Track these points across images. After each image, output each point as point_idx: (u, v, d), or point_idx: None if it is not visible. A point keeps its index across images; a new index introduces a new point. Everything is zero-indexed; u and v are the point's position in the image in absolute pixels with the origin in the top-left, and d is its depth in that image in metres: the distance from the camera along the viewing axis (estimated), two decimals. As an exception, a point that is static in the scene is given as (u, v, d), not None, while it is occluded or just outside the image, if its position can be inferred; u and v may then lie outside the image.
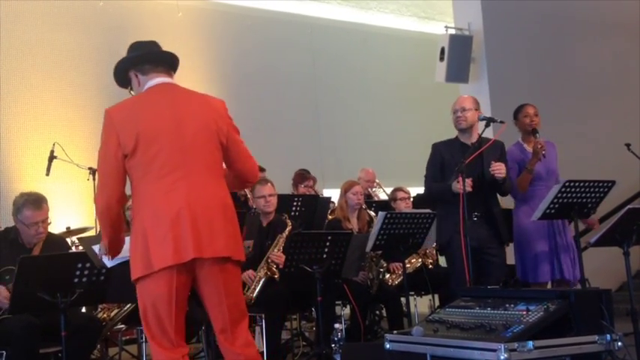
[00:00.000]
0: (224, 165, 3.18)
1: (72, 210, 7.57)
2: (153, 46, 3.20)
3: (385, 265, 5.83)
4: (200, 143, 3.01)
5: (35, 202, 4.26)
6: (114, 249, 3.15)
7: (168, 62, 3.18)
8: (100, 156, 3.02)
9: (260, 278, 5.06)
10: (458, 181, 4.42)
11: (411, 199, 6.39)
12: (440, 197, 4.75)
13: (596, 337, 3.12)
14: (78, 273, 3.74)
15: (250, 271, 5.06)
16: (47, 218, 4.31)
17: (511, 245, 5.12)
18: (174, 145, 2.97)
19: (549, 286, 5.05)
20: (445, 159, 4.68)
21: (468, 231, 4.32)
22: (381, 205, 6.47)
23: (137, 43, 3.22)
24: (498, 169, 4.51)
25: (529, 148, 5.03)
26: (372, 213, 5.86)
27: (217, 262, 2.96)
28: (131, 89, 3.21)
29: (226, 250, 2.97)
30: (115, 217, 3.04)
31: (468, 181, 4.43)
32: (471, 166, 4.50)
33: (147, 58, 3.13)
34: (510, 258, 5.07)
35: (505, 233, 4.73)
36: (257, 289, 5.02)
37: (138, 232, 2.93)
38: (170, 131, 2.97)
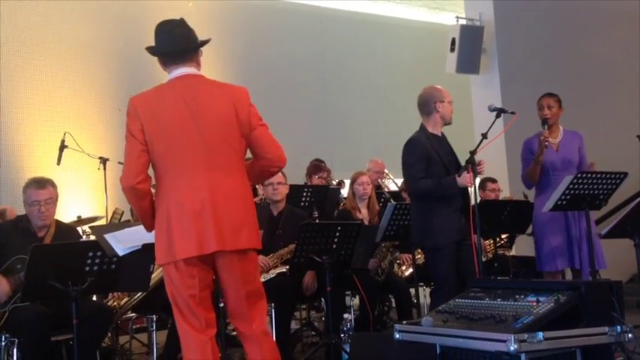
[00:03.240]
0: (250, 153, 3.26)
1: (83, 199, 7.62)
2: (172, 32, 3.19)
3: (399, 254, 5.83)
4: (220, 137, 3.09)
5: (39, 182, 4.31)
6: (146, 224, 3.21)
7: (188, 49, 3.18)
8: (126, 140, 3.10)
9: (270, 268, 5.05)
10: (468, 174, 4.28)
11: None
12: (441, 194, 4.34)
13: (606, 329, 3.11)
14: (89, 261, 3.76)
15: (262, 257, 4.99)
16: (51, 201, 4.30)
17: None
18: (195, 140, 3.06)
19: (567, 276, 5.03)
20: (431, 154, 4.43)
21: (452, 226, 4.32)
22: (393, 196, 6.47)
23: (159, 26, 3.22)
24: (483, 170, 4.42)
25: (550, 139, 5.02)
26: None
27: (237, 253, 3.08)
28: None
29: (247, 243, 3.10)
30: (141, 196, 3.11)
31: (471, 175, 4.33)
32: (448, 157, 4.47)
33: (163, 52, 3.18)
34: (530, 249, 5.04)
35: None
36: (266, 279, 5.00)
37: (163, 221, 3.06)
38: (190, 127, 3.06)
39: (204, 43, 3.25)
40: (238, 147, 3.15)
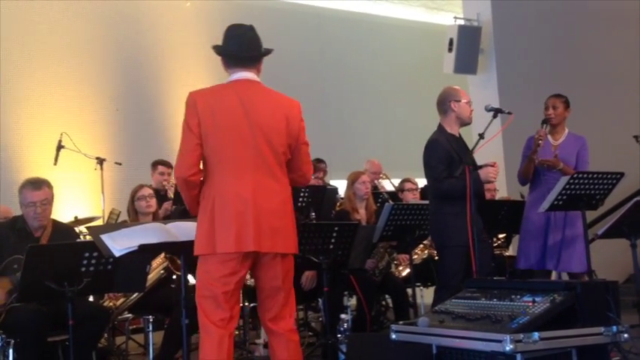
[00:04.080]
0: None
1: (80, 199, 7.61)
2: (243, 36, 3.31)
3: (396, 255, 5.84)
4: (270, 143, 3.23)
5: (35, 182, 4.30)
6: (191, 210, 3.33)
7: (253, 56, 3.32)
8: (183, 132, 3.22)
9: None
10: (492, 168, 4.32)
11: (419, 190, 6.39)
12: (465, 192, 4.27)
13: (602, 329, 3.11)
14: (85, 262, 3.75)
15: None
16: (47, 202, 4.29)
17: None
18: (248, 141, 3.19)
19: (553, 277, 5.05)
20: (451, 154, 4.43)
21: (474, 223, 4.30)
22: (390, 196, 6.47)
23: (231, 28, 3.35)
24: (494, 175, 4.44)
25: (551, 139, 5.03)
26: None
27: (280, 255, 3.24)
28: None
29: (283, 247, 3.24)
30: (192, 187, 3.24)
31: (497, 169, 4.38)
32: (465, 156, 4.47)
33: (231, 54, 3.31)
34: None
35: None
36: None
37: (207, 213, 3.17)
38: (244, 127, 3.19)
39: (269, 52, 3.38)
40: (284, 155, 3.29)
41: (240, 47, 3.28)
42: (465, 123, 4.57)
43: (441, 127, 4.57)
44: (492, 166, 4.33)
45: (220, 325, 3.16)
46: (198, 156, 3.20)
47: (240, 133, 3.18)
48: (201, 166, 3.26)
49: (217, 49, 3.33)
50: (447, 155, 4.41)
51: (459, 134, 4.60)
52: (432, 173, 4.47)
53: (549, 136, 5.05)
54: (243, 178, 3.16)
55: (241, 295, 5.69)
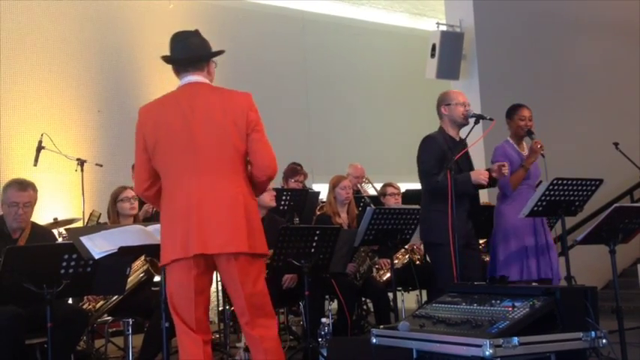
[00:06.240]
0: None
1: (60, 201, 7.54)
2: (186, 41, 3.29)
3: (377, 259, 5.84)
4: (214, 143, 3.16)
5: (21, 183, 4.28)
6: None
7: (196, 58, 3.27)
8: (135, 151, 3.29)
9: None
10: (484, 171, 4.42)
11: (401, 195, 6.40)
12: (454, 190, 4.33)
13: (580, 334, 3.13)
14: (64, 264, 3.72)
15: None
16: (30, 204, 4.28)
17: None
18: (186, 146, 3.15)
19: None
20: (445, 153, 4.45)
21: (457, 227, 4.31)
22: (372, 201, 6.48)
23: (174, 36, 3.34)
24: (501, 170, 4.52)
25: (519, 149, 5.06)
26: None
27: (232, 256, 3.12)
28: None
29: (233, 246, 3.10)
30: (152, 200, 3.38)
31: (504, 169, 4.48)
32: (462, 161, 4.49)
33: (173, 60, 3.30)
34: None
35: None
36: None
37: (161, 225, 3.24)
38: (182, 134, 3.16)
39: (217, 53, 3.34)
40: (235, 152, 3.18)
41: (185, 51, 3.26)
42: (459, 124, 4.61)
43: (441, 129, 4.66)
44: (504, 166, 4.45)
45: (193, 330, 3.15)
46: (148, 170, 3.24)
47: (178, 140, 3.15)
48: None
49: (165, 59, 3.33)
50: (440, 152, 4.47)
51: (460, 139, 4.62)
52: (423, 167, 4.53)
53: (516, 146, 5.08)
54: (187, 184, 3.12)
55: (222, 298, 5.72)
